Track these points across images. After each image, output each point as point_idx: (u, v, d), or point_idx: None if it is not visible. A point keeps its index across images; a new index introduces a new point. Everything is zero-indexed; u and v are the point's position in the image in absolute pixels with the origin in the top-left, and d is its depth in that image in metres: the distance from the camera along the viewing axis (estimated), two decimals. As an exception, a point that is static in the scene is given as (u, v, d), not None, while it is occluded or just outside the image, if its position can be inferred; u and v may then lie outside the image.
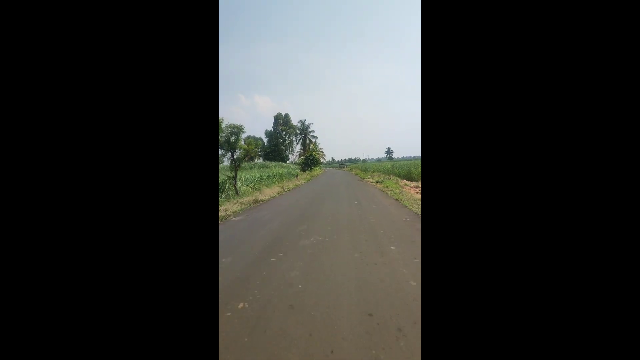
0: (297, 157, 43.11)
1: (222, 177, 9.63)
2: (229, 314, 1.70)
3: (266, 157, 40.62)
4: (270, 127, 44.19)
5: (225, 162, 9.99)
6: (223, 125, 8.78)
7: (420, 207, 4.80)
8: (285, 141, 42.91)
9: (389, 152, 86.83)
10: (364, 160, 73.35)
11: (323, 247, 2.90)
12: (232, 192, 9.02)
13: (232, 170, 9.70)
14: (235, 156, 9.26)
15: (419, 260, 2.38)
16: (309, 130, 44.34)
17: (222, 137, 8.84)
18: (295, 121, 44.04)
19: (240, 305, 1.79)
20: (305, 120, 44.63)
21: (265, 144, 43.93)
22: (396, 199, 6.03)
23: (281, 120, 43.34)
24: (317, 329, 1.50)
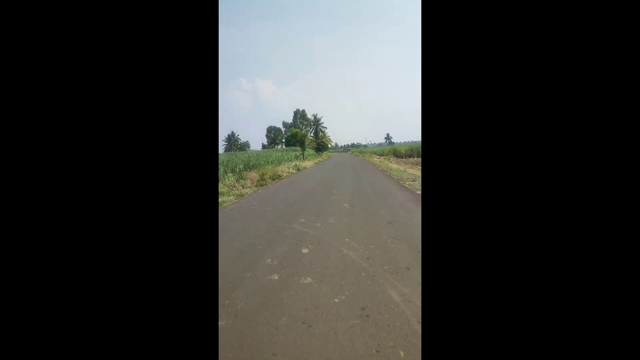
0: (309, 143, 56.65)
1: (296, 153, 23.52)
2: (330, 169, 15.62)
3: (287, 143, 54.10)
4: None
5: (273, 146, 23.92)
6: (300, 135, 22.59)
7: (368, 159, 18.92)
8: (302, 131, 56.31)
9: (388, 137, 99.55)
10: (365, 146, 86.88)
11: (343, 164, 16.98)
12: (301, 159, 22.77)
13: (302, 150, 23.61)
14: (304, 145, 23.15)
15: (357, 161, 16.34)
16: (320, 122, 57.56)
17: (297, 138, 22.63)
18: (309, 115, 57.29)
19: (331, 162, 15.75)
20: (317, 114, 57.85)
21: (283, 132, 57.56)
22: (363, 159, 20.15)
23: (299, 115, 56.59)
24: (342, 169, 15.46)
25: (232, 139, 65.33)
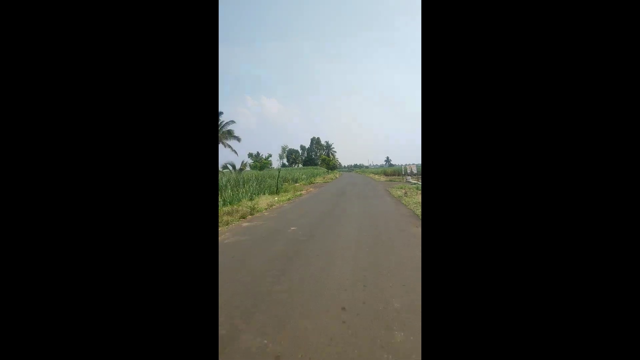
0: (321, 163, 73.66)
1: (323, 170, 40.28)
2: (347, 178, 32.26)
3: (305, 163, 70.77)
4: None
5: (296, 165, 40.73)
6: (327, 159, 39.43)
7: (366, 175, 35.75)
8: (317, 154, 73.41)
9: (387, 160, 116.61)
10: (367, 167, 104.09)
11: (352, 176, 33.76)
12: (327, 174, 39.23)
13: (327, 168, 40.37)
14: (327, 163, 40.01)
15: (359, 175, 32.99)
16: (332, 147, 74.78)
17: (327, 162, 39.36)
18: (322, 141, 74.82)
19: (345, 176, 32.40)
20: (328, 141, 75.40)
21: (301, 154, 74.84)
22: (363, 175, 37.07)
23: (314, 141, 74.04)
24: (353, 177, 32.16)
25: (257, 157, 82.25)
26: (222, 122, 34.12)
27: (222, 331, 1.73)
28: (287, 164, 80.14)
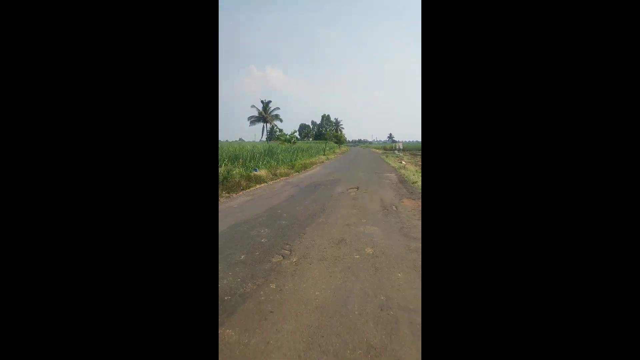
0: (330, 138, 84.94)
1: (333, 144, 52.36)
2: (354, 151, 44.53)
3: (315, 138, 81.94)
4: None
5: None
6: (339, 135, 51.40)
7: (369, 150, 48.16)
8: (326, 129, 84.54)
9: (390, 137, 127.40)
10: (371, 142, 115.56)
11: (358, 150, 46.52)
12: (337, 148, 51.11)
13: (339, 144, 52.44)
14: (339, 139, 52.10)
15: (365, 150, 45.57)
16: (340, 124, 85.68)
17: (338, 137, 51.21)
18: (332, 118, 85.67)
19: (352, 150, 44.66)
20: (337, 117, 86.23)
21: (312, 128, 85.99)
22: (367, 149, 49.74)
23: (324, 118, 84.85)
24: (359, 150, 44.78)
25: (272, 130, 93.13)
26: (272, 108, 46.18)
27: (350, 169, 12.65)
28: (299, 137, 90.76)
